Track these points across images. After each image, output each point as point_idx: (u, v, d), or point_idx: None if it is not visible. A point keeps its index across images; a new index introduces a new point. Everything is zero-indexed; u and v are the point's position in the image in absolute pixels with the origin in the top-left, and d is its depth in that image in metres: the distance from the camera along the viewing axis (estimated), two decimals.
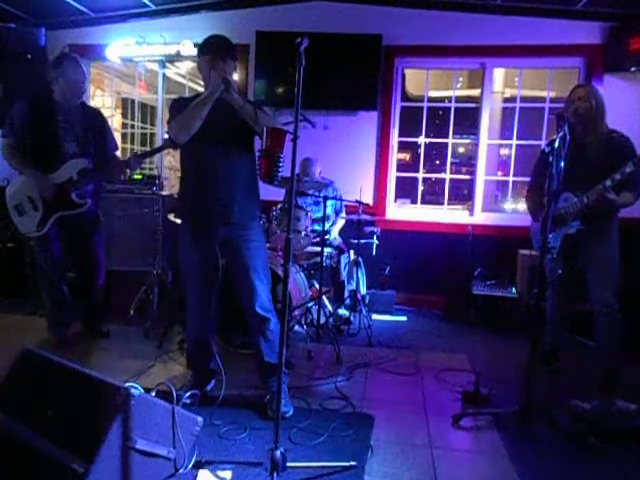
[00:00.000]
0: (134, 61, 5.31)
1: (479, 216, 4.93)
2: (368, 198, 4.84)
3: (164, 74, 5.51)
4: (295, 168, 1.86)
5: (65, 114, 3.19)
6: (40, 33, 4.60)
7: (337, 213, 4.50)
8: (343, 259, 4.27)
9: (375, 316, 4.49)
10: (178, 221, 3.77)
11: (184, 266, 2.62)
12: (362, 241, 4.32)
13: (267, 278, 2.59)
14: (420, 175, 5.22)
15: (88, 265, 3.47)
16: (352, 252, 4.44)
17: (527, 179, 3.39)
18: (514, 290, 4.38)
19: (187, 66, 5.77)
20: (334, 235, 4.37)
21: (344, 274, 4.27)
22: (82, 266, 3.48)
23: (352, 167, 4.91)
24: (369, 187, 4.91)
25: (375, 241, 4.45)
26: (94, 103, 6.07)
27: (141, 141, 6.48)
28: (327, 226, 4.21)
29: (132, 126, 6.76)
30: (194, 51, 4.92)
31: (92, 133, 3.27)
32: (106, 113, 6.19)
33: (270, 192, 3.42)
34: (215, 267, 2.56)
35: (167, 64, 5.56)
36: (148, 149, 3.39)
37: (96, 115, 3.39)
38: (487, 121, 4.91)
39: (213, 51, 2.45)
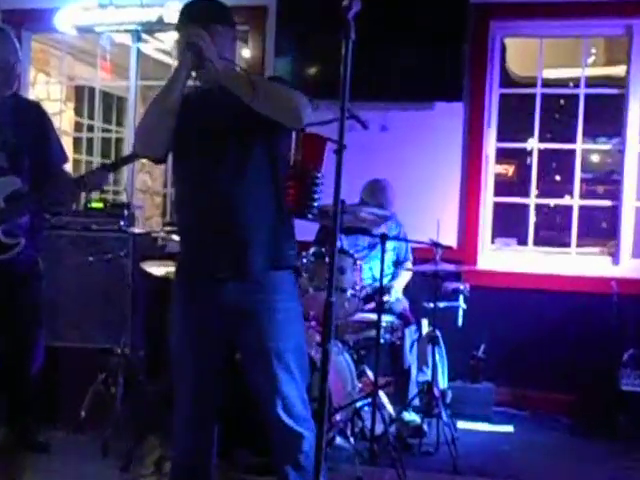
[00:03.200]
0: (95, 32, 5.52)
1: (628, 265, 4.86)
2: (450, 237, 4.83)
3: (139, 50, 5.70)
4: (340, 194, 1.87)
5: None
6: None
7: (401, 262, 4.49)
8: (410, 333, 4.23)
9: (463, 424, 4.41)
10: (156, 272, 3.88)
11: (174, 345, 2.64)
12: (441, 305, 4.27)
13: (302, 369, 2.56)
14: (532, 200, 5.17)
15: (17, 339, 3.51)
16: (425, 322, 4.40)
17: None
18: None
19: (173, 39, 5.94)
20: (396, 296, 4.35)
21: (411, 357, 4.22)
22: (8, 341, 3.52)
23: (424, 189, 4.91)
24: (451, 220, 4.91)
25: (461, 305, 4.39)
26: (35, 94, 6.34)
27: (103, 149, 6.69)
28: (386, 281, 4.19)
29: (90, 127, 6.99)
30: None
31: (28, 138, 3.36)
32: (52, 108, 6.54)
33: (297, 229, 3.42)
34: (221, 348, 2.57)
35: (144, 36, 5.76)
36: (111, 161, 3.49)
37: (34, 112, 3.49)
38: (639, 115, 4.87)
39: (183, 22, 2.54)
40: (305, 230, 3.76)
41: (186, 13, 2.53)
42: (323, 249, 3.70)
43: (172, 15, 5.09)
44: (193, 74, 2.44)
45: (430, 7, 4.76)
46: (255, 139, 2.49)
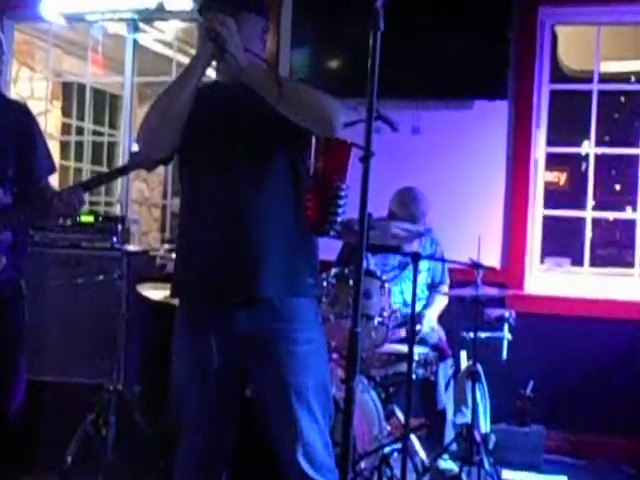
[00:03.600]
0: (86, 21, 5.59)
1: None
2: (492, 257, 4.84)
3: (136, 42, 5.76)
4: (366, 207, 1.87)
5: None
6: None
7: (436, 285, 4.50)
8: (446, 368, 4.23)
9: (508, 473, 4.37)
10: (154, 296, 3.90)
11: (176, 380, 2.65)
12: (482, 335, 4.25)
13: (324, 408, 2.56)
14: (588, 214, 5.16)
15: None
16: (463, 355, 4.39)
17: None
18: None
19: (176, 29, 6.03)
20: (430, 324, 4.35)
21: (447, 395, 4.21)
22: None
23: (462, 200, 4.92)
24: (494, 237, 4.92)
25: (506, 335, 4.37)
26: (17, 91, 6.42)
27: (94, 155, 6.76)
28: (419, 307, 4.19)
29: (80, 129, 7.06)
30: (187, 3, 5.15)
31: (12, 145, 3.39)
32: (36, 107, 6.59)
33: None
34: (231, 383, 2.57)
35: (142, 26, 5.83)
36: (103, 172, 3.49)
37: (20, 114, 3.52)
38: None
39: (207, 4, 2.55)
40: (326, 248, 3.75)
41: None
42: (346, 270, 3.70)
43: (173, 2, 5.16)
44: (212, 65, 2.45)
45: None
46: (276, 145, 2.50)
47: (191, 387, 2.58)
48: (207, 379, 2.54)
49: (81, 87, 6.74)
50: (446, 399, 4.21)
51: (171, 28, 5.93)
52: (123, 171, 3.30)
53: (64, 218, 3.76)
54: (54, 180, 4.12)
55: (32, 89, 6.76)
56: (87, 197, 6.65)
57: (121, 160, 6.14)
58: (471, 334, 4.10)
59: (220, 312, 2.50)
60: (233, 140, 2.47)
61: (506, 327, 4.37)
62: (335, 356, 3.76)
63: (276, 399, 2.51)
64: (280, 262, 2.50)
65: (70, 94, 7.28)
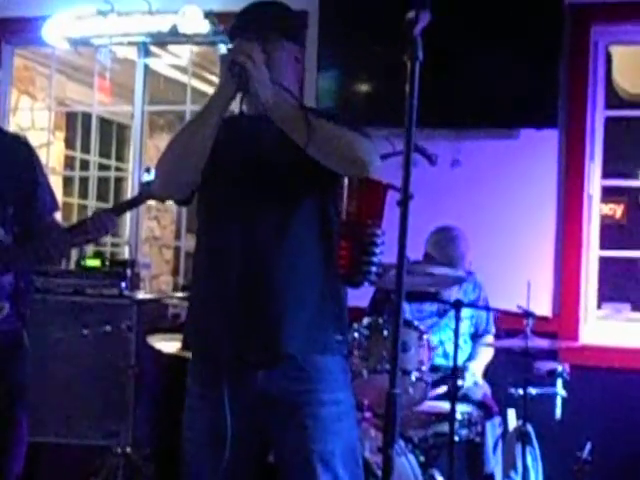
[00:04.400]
0: (93, 45, 5.66)
1: None
2: (543, 304, 4.80)
3: (147, 67, 5.84)
4: (404, 257, 1.87)
5: None
6: None
7: (480, 335, 4.49)
8: (492, 428, 4.20)
9: None
10: (166, 349, 3.90)
11: (188, 445, 2.65)
12: (533, 391, 4.22)
13: (353, 475, 2.55)
14: None
15: None
16: (512, 414, 4.36)
17: None
18: None
19: (191, 52, 6.09)
20: (474, 379, 4.34)
21: (495, 458, 4.18)
22: None
23: (508, 241, 4.90)
24: (544, 281, 4.88)
25: (560, 391, 4.32)
26: (16, 122, 6.50)
27: (100, 191, 6.80)
28: (461, 359, 4.17)
29: (84, 163, 7.14)
30: (203, 25, 5.22)
31: (12, 182, 3.43)
32: (38, 139, 6.67)
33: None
34: (251, 449, 2.56)
35: (153, 49, 5.90)
36: (112, 206, 3.51)
37: (20, 150, 3.57)
38: None
39: (237, 30, 2.58)
40: (356, 293, 3.75)
41: (242, 19, 2.57)
42: (380, 320, 3.70)
43: (188, 24, 5.22)
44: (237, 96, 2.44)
45: (514, 11, 4.78)
46: (306, 188, 2.51)
47: (204, 454, 2.57)
48: (222, 445, 2.52)
49: (86, 116, 6.81)
50: (494, 463, 4.17)
51: (186, 51, 5.97)
52: (134, 202, 3.33)
53: (92, 241, 3.75)
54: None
55: (33, 119, 6.83)
56: None
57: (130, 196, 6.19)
58: (520, 390, 4.08)
59: (237, 371, 2.50)
60: (257, 181, 2.49)
61: (559, 382, 4.31)
62: (368, 415, 3.75)
63: (300, 468, 2.50)
64: (305, 316, 2.50)
65: (74, 124, 7.37)
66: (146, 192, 3.10)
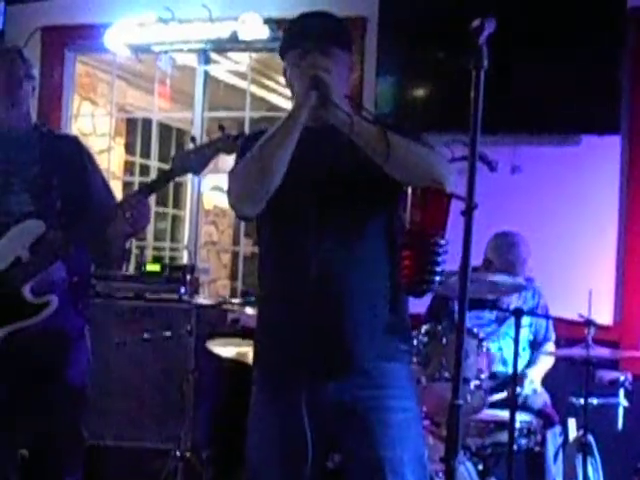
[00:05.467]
0: (153, 52, 5.73)
1: None
2: (604, 312, 4.74)
3: (207, 73, 5.90)
4: (468, 268, 1.87)
5: (8, 149, 3.43)
6: None
7: (539, 343, 4.45)
8: (553, 437, 4.16)
9: None
10: (225, 354, 3.92)
11: (255, 452, 2.65)
12: (594, 401, 4.17)
13: None
14: None
15: (47, 438, 3.53)
16: (572, 423, 4.32)
17: None
18: None
19: (250, 59, 6.11)
20: (533, 386, 4.31)
21: (555, 468, 4.14)
22: (37, 440, 3.54)
23: (569, 248, 4.86)
24: (606, 289, 4.83)
25: (622, 402, 4.27)
26: (77, 129, 6.59)
27: (158, 196, 6.86)
28: (520, 367, 4.13)
29: (144, 169, 7.22)
30: (263, 32, 5.25)
31: (58, 177, 3.43)
32: (99, 145, 6.78)
33: None
34: (317, 460, 2.55)
35: (213, 56, 5.95)
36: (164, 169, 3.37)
37: (68, 146, 3.56)
38: None
39: (299, 41, 2.58)
40: (413, 300, 3.77)
41: (310, 31, 2.55)
42: (439, 327, 3.69)
43: (248, 31, 5.26)
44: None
45: (576, 15, 4.75)
46: (374, 200, 2.52)
47: (272, 462, 2.58)
48: (291, 453, 2.55)
49: (146, 122, 6.88)
50: (554, 473, 4.13)
51: (245, 58, 6.00)
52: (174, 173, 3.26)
53: (134, 234, 3.68)
54: None
55: (94, 125, 6.91)
56: (151, 243, 6.83)
57: (189, 202, 6.23)
58: (581, 400, 4.03)
59: (311, 382, 2.51)
60: (327, 195, 2.48)
61: (621, 392, 4.27)
62: (426, 423, 3.73)
63: (369, 475, 2.50)
64: (374, 328, 2.51)
65: (134, 130, 7.44)
66: (179, 169, 3.07)
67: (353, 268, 2.49)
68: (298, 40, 2.55)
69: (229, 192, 2.52)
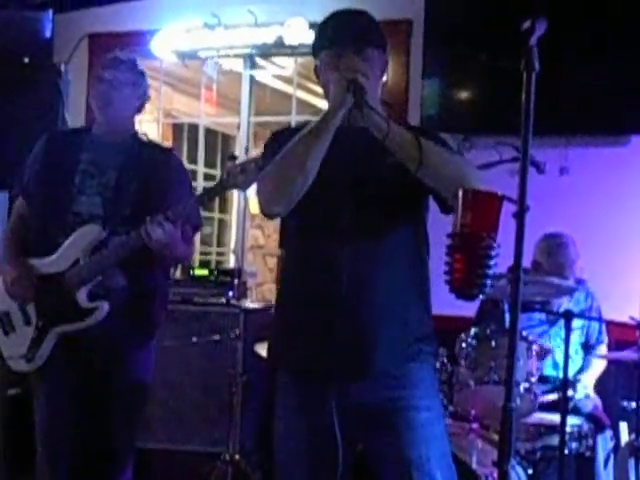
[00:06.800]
0: (200, 58, 5.77)
1: None
2: None
3: (253, 78, 5.93)
4: (520, 272, 1.85)
5: (95, 151, 3.47)
6: (44, 19, 5.22)
7: (592, 345, 4.42)
8: (604, 442, 4.13)
9: None
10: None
11: (284, 455, 2.66)
12: None
13: None
14: None
15: (104, 443, 3.54)
16: (624, 427, 4.29)
17: None
18: None
19: (296, 63, 6.13)
20: (585, 391, 4.28)
21: (607, 473, 4.11)
22: (93, 444, 3.55)
23: (620, 250, 4.80)
24: None
25: None
26: None
27: None
28: (572, 372, 4.11)
29: (191, 173, 7.22)
30: (308, 36, 5.25)
31: (134, 185, 3.42)
32: None
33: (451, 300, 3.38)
34: (344, 462, 2.55)
35: (259, 61, 5.98)
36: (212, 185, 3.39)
37: (155, 155, 3.54)
38: None
39: (334, 41, 2.56)
40: (462, 303, 3.74)
41: (345, 31, 2.54)
42: (488, 330, 3.67)
43: (294, 35, 5.28)
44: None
45: (623, 14, 4.69)
46: (404, 203, 2.53)
47: (301, 463, 2.59)
48: (322, 458, 2.55)
49: (192, 127, 6.92)
50: (605, 478, 4.09)
51: (291, 63, 6.01)
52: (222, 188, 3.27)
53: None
54: None
55: (141, 131, 6.96)
56: (197, 247, 6.86)
57: (235, 205, 6.26)
58: (633, 404, 4.00)
59: (327, 386, 2.50)
60: (356, 196, 2.48)
61: None
62: (475, 426, 3.71)
63: (397, 475, 2.50)
64: (399, 330, 2.52)
65: (181, 135, 7.48)
66: (226, 184, 3.09)
67: (381, 270, 2.49)
68: (332, 40, 2.53)
69: (259, 192, 2.51)
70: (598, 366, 4.40)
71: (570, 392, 4.04)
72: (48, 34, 5.20)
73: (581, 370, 4.36)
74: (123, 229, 3.32)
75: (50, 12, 5.23)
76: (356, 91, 2.31)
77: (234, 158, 3.16)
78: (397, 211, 2.53)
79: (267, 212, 2.55)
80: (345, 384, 2.50)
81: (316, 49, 2.61)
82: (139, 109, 3.56)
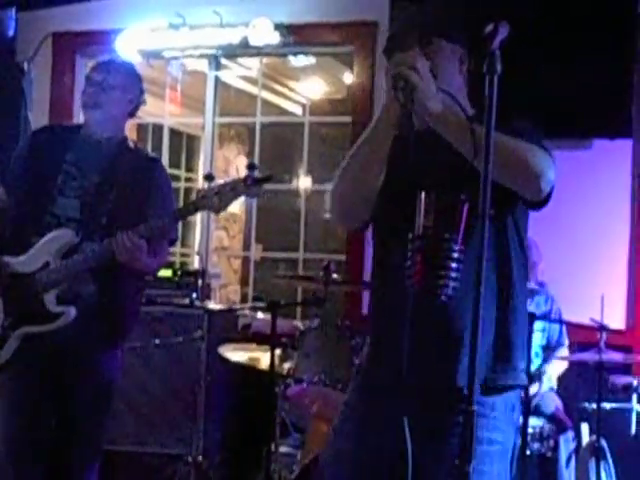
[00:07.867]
0: (164, 58, 5.74)
1: None
2: (617, 317, 4.70)
3: (218, 79, 5.90)
4: (483, 264, 1.84)
5: (80, 153, 3.43)
6: (8, 17, 5.18)
7: (552, 347, 4.45)
8: (565, 442, 4.16)
9: None
10: (237, 359, 3.90)
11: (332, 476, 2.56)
12: (607, 406, 4.16)
13: None
14: None
15: (71, 445, 3.53)
16: (585, 428, 4.31)
17: None
18: None
19: (261, 64, 6.11)
20: (550, 383, 4.35)
21: (568, 473, 4.14)
22: (59, 445, 3.54)
23: (581, 253, 4.84)
24: (618, 294, 4.81)
25: (635, 407, 4.27)
26: None
27: None
28: (533, 367, 4.15)
29: None
30: (274, 37, 5.25)
31: (114, 191, 3.39)
32: None
33: None
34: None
35: (224, 62, 5.96)
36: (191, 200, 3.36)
37: (138, 163, 3.50)
38: None
39: (396, 40, 2.40)
40: None
41: (402, 25, 2.48)
42: None
43: (259, 36, 5.26)
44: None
45: (587, 20, 4.73)
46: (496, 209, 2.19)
47: (356, 473, 2.47)
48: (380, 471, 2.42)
49: (157, 128, 6.87)
50: (567, 478, 4.12)
51: (256, 64, 6.00)
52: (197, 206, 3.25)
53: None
54: None
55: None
56: None
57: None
58: (594, 405, 4.03)
59: (410, 402, 2.25)
60: (438, 197, 2.20)
61: (634, 397, 4.27)
62: None
63: None
64: (483, 354, 2.20)
65: (145, 135, 7.43)
66: (199, 205, 3.08)
67: (466, 281, 2.16)
68: (395, 37, 2.44)
69: (331, 211, 2.47)
70: (558, 367, 4.44)
71: (535, 386, 4.10)
72: (11, 32, 5.17)
73: (542, 366, 4.39)
74: (97, 236, 3.31)
75: (14, 10, 5.20)
76: (404, 86, 2.12)
77: (212, 178, 3.13)
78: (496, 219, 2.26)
79: (345, 228, 2.48)
80: (417, 401, 2.32)
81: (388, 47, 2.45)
82: (131, 114, 3.52)
